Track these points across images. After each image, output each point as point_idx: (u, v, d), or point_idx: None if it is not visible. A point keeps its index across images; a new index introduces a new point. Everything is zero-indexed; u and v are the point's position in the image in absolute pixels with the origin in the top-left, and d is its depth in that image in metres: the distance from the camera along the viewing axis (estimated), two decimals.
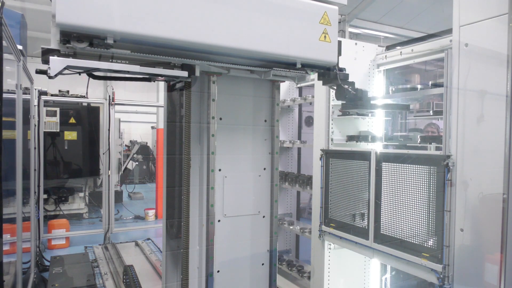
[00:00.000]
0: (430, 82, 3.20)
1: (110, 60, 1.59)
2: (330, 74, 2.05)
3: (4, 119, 2.43)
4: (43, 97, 6.15)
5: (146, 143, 13.08)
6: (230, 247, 2.18)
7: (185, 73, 1.76)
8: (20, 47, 3.53)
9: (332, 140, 3.52)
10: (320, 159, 3.53)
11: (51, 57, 1.45)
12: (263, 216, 2.26)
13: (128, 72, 1.66)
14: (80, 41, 1.43)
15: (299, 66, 1.89)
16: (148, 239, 6.47)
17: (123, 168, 11.08)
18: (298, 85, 4.17)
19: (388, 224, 2.86)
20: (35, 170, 5.62)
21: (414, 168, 2.65)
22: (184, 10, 1.58)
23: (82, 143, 8.35)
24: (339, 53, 1.97)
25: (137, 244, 6.08)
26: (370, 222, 2.99)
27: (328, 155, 3.48)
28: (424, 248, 2.58)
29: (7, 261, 3.70)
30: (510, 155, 2.10)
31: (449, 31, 2.66)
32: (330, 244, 3.56)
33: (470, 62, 2.35)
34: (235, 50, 1.75)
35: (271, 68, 1.94)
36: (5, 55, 2.71)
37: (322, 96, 3.58)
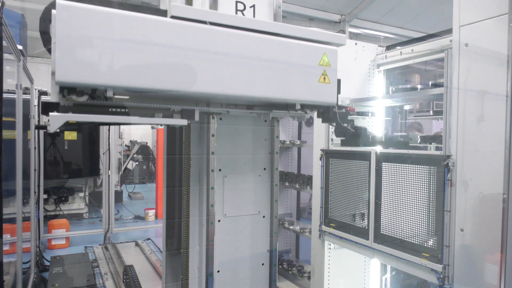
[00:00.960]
0: (430, 82, 3.20)
1: (110, 109, 1.55)
2: (330, 113, 2.02)
3: (4, 119, 2.43)
4: (43, 97, 6.14)
5: (146, 143, 13.08)
6: (230, 247, 2.19)
7: (184, 122, 1.71)
8: (20, 47, 3.52)
9: (332, 140, 3.52)
10: (320, 159, 3.53)
11: (50, 114, 1.44)
12: (263, 216, 2.26)
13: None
14: (80, 95, 1.44)
15: (298, 107, 1.88)
16: (148, 239, 6.47)
17: (123, 168, 11.08)
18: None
19: (388, 224, 2.86)
20: (35, 170, 5.62)
21: (414, 168, 2.65)
22: (184, 61, 1.57)
23: (82, 143, 8.34)
24: (339, 92, 1.96)
25: (137, 244, 6.08)
26: (370, 222, 2.99)
27: (328, 155, 3.48)
28: (424, 248, 2.58)
29: (7, 261, 3.70)
30: (510, 155, 2.10)
31: (449, 31, 2.66)
32: (330, 244, 3.56)
33: (470, 62, 2.35)
34: (234, 97, 1.75)
35: (270, 110, 1.91)
36: (5, 55, 2.71)
37: None
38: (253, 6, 2.10)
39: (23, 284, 3.67)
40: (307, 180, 4.06)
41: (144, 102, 1.63)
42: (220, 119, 2.11)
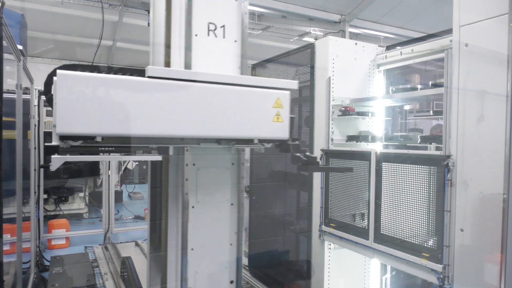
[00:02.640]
0: (430, 82, 3.20)
1: (99, 149, 1.95)
2: (284, 145, 2.33)
3: (4, 119, 2.43)
4: (43, 97, 6.14)
5: None
6: (202, 228, 2.53)
7: (159, 157, 2.09)
8: (20, 47, 3.52)
9: (332, 140, 3.52)
10: (320, 159, 3.53)
11: (52, 156, 1.78)
12: (232, 204, 2.61)
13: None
14: (75, 140, 1.81)
15: (256, 142, 2.22)
16: None
17: (123, 168, 11.07)
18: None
19: (388, 224, 2.86)
20: (35, 170, 5.62)
21: (414, 168, 2.65)
22: (160, 111, 1.91)
23: None
24: (292, 128, 2.30)
25: (137, 244, 6.08)
26: (370, 222, 2.99)
27: (328, 155, 3.48)
28: (424, 248, 2.59)
29: (7, 261, 3.70)
30: (510, 155, 2.10)
31: (449, 31, 2.66)
32: (330, 244, 3.56)
33: (470, 62, 2.35)
34: (201, 137, 2.12)
35: (233, 144, 2.24)
36: (5, 55, 2.71)
37: (322, 96, 3.58)
38: (223, 26, 2.43)
39: (23, 284, 3.67)
40: (307, 180, 4.05)
41: (127, 143, 1.96)
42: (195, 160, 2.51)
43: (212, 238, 2.58)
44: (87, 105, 1.77)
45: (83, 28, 10.63)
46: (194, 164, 2.46)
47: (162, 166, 2.53)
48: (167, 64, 2.34)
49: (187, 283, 2.46)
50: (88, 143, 1.84)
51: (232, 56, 2.49)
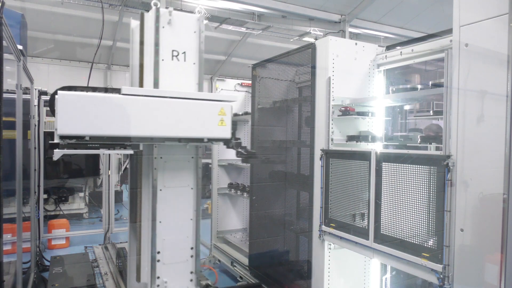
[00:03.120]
0: (430, 82, 3.20)
1: (87, 145, 2.68)
2: (229, 143, 3.11)
3: (4, 119, 2.43)
4: (43, 97, 6.14)
5: None
6: (168, 206, 3.23)
7: (131, 151, 2.88)
8: (20, 47, 3.53)
9: (332, 140, 3.52)
10: (320, 159, 3.53)
11: (55, 150, 2.57)
12: (191, 188, 3.34)
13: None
14: (71, 139, 2.56)
15: (206, 140, 3.01)
16: None
17: (123, 168, 11.06)
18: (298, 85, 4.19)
19: (388, 224, 2.86)
20: (35, 170, 5.62)
21: (414, 168, 2.65)
22: (129, 119, 2.68)
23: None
24: (234, 130, 3.08)
25: None
26: (370, 222, 2.99)
27: (328, 155, 3.48)
28: (424, 248, 2.59)
29: (7, 261, 3.70)
30: (510, 155, 2.10)
31: (449, 31, 2.66)
32: (330, 244, 3.56)
33: (470, 62, 2.35)
34: (165, 137, 2.89)
35: (190, 141, 3.01)
36: (5, 55, 2.71)
37: (322, 96, 3.58)
38: (184, 52, 3.15)
39: (23, 284, 3.67)
40: (307, 180, 4.05)
41: (108, 141, 2.72)
42: (161, 157, 3.25)
43: (176, 213, 3.29)
44: (78, 114, 2.55)
45: (83, 28, 10.63)
46: (161, 157, 3.21)
47: (138, 160, 3.23)
48: (141, 81, 3.04)
49: (156, 248, 3.19)
50: (79, 141, 2.59)
51: (191, 75, 3.18)
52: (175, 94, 2.88)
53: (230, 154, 6.19)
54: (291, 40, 11.79)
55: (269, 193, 4.69)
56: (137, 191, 3.27)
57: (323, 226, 3.53)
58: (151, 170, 3.17)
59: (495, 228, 2.16)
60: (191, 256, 3.35)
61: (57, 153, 2.53)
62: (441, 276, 2.43)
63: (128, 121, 2.69)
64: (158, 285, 3.19)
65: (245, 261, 5.04)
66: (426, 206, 2.60)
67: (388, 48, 3.67)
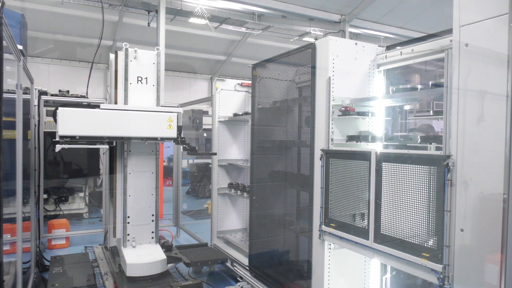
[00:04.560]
0: (430, 82, 3.20)
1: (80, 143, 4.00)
2: (176, 141, 4.35)
3: (4, 119, 2.43)
4: (43, 97, 6.14)
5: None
6: (135, 185, 4.53)
7: (106, 146, 4.53)
8: (20, 47, 3.52)
9: (332, 140, 3.52)
10: (320, 159, 3.53)
11: (56, 145, 3.82)
12: (152, 172, 4.63)
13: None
14: (66, 138, 3.85)
15: (159, 139, 4.34)
16: None
17: None
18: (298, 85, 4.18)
19: (388, 224, 2.86)
20: (35, 170, 5.62)
21: (414, 168, 2.65)
22: (106, 124, 4.01)
23: None
24: (179, 131, 4.33)
25: None
26: (370, 222, 2.99)
27: (328, 155, 3.49)
28: (424, 248, 2.59)
29: (7, 261, 3.70)
30: (510, 155, 2.10)
31: (449, 31, 2.66)
32: (330, 244, 3.56)
33: (470, 62, 2.35)
34: (132, 137, 4.21)
35: (147, 140, 4.31)
36: (5, 55, 2.71)
37: (322, 96, 3.58)
38: (146, 78, 4.46)
39: (23, 284, 3.67)
40: (307, 180, 4.05)
41: (91, 139, 4.04)
42: (130, 150, 4.56)
43: (141, 190, 4.57)
44: (71, 122, 3.87)
45: (83, 28, 10.63)
46: (130, 151, 4.51)
47: (113, 153, 4.78)
48: (116, 97, 4.42)
49: (126, 213, 4.49)
50: (72, 139, 3.88)
51: (151, 94, 4.50)
52: (137, 108, 4.25)
53: (231, 154, 6.19)
54: (291, 40, 11.80)
55: (269, 193, 4.69)
56: (113, 176, 4.75)
57: (323, 226, 3.53)
58: (122, 160, 4.50)
59: (495, 228, 2.16)
60: (152, 221, 4.66)
61: (58, 147, 3.83)
62: (441, 276, 2.43)
63: (105, 126, 4.00)
64: (128, 240, 4.51)
65: (245, 261, 5.04)
66: (426, 206, 2.60)
67: (388, 48, 3.67)
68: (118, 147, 4.58)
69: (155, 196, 4.64)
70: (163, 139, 4.29)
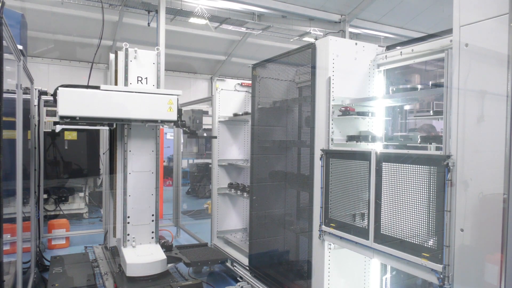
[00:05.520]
0: (430, 82, 3.20)
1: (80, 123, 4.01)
2: (177, 124, 4.33)
3: (4, 119, 2.43)
4: (43, 97, 6.15)
5: None
6: (135, 185, 4.52)
7: (107, 128, 4.47)
8: (20, 47, 3.52)
9: (332, 140, 3.52)
10: (320, 159, 3.53)
11: (57, 126, 3.84)
12: (152, 172, 4.61)
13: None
14: (66, 118, 3.82)
15: (159, 122, 4.26)
16: None
17: None
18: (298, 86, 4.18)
19: (388, 224, 2.86)
20: (35, 170, 5.62)
21: (414, 168, 2.65)
22: (106, 106, 3.98)
23: (82, 143, 8.35)
24: (180, 114, 4.32)
25: None
26: (370, 222, 2.99)
27: (328, 155, 3.49)
28: (424, 248, 2.59)
29: (7, 261, 3.70)
30: (510, 155, 2.10)
31: (449, 31, 2.66)
32: (330, 244, 3.56)
33: (470, 62, 2.35)
34: (132, 119, 4.16)
35: (148, 122, 4.28)
36: (5, 55, 2.71)
37: (322, 96, 3.58)
38: (146, 78, 4.47)
39: (23, 284, 3.67)
40: (307, 180, 4.05)
41: (91, 120, 4.03)
42: (130, 128, 4.51)
43: (141, 190, 4.54)
44: (71, 102, 3.83)
45: (83, 28, 10.63)
46: (131, 130, 4.50)
47: (113, 135, 4.81)
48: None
49: (126, 213, 4.47)
50: (72, 120, 3.86)
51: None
52: (137, 89, 4.22)
53: (231, 154, 6.19)
54: (291, 40, 11.79)
55: (269, 193, 4.69)
56: (114, 175, 4.79)
57: (323, 226, 3.53)
58: (122, 144, 4.50)
59: (495, 228, 2.16)
60: (152, 221, 4.63)
61: (58, 127, 3.85)
62: (441, 276, 2.43)
63: (105, 107, 3.95)
64: (128, 240, 4.50)
65: (245, 261, 5.04)
66: (426, 206, 2.60)
67: (388, 48, 3.67)
68: (118, 130, 4.54)
69: (155, 196, 4.63)
70: (163, 121, 4.22)
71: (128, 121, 4.17)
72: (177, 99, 4.26)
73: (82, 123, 3.93)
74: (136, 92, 4.11)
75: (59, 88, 3.75)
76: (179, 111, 4.29)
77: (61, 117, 3.76)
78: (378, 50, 3.71)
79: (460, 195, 2.37)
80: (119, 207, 4.52)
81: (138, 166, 4.51)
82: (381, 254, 2.92)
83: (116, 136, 4.70)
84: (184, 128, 4.46)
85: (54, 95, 3.82)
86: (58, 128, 3.81)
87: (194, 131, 4.66)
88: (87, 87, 3.99)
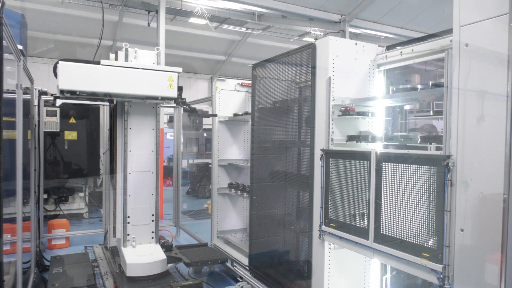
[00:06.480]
0: (430, 82, 3.20)
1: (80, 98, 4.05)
2: (177, 101, 4.38)
3: (4, 119, 2.43)
4: (43, 97, 6.14)
5: None
6: (135, 185, 4.54)
7: (107, 103, 5.05)
8: (20, 47, 3.52)
9: (332, 140, 3.52)
10: (320, 159, 3.53)
11: (57, 100, 3.89)
12: (152, 172, 4.63)
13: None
14: (67, 93, 3.81)
15: (160, 99, 4.25)
16: None
17: None
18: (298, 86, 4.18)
19: (388, 224, 2.86)
20: (35, 170, 5.62)
21: (414, 168, 2.65)
22: (107, 81, 3.95)
23: (82, 143, 8.35)
24: (180, 91, 4.33)
25: None
26: (370, 222, 2.99)
27: (328, 155, 3.49)
28: (424, 248, 2.59)
29: (7, 261, 3.70)
30: (510, 155, 2.10)
31: (449, 31, 2.66)
32: (330, 244, 3.56)
33: (470, 62, 2.35)
34: (132, 95, 4.17)
35: (148, 99, 4.26)
36: (5, 55, 2.71)
37: (322, 96, 3.58)
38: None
39: (23, 284, 3.67)
40: (307, 180, 4.05)
41: (92, 95, 4.01)
42: (130, 105, 4.51)
43: (141, 190, 4.56)
44: (72, 76, 3.80)
45: (83, 28, 10.64)
46: (131, 105, 4.49)
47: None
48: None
49: (126, 213, 4.49)
50: (72, 94, 3.84)
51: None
52: (137, 65, 4.18)
53: (231, 154, 6.19)
54: (291, 40, 11.80)
55: (269, 193, 4.69)
56: (114, 176, 4.80)
57: (323, 226, 3.53)
58: (123, 121, 4.50)
59: (495, 228, 2.16)
60: (152, 221, 4.64)
61: (58, 101, 3.87)
62: (441, 276, 2.43)
63: (105, 82, 3.93)
64: (128, 240, 4.50)
65: (245, 261, 5.04)
66: (426, 206, 2.60)
67: (388, 48, 3.67)
68: (118, 107, 4.54)
69: (155, 196, 4.64)
70: (163, 98, 4.21)
71: (128, 97, 4.16)
72: (178, 76, 4.25)
73: (82, 98, 3.92)
74: (136, 68, 4.09)
75: (60, 62, 3.72)
76: (180, 88, 4.28)
77: (61, 91, 3.72)
78: (378, 50, 3.71)
79: (460, 195, 2.37)
80: (119, 207, 4.54)
81: (138, 166, 4.52)
82: (381, 254, 2.92)
83: (116, 114, 4.70)
84: (184, 106, 4.49)
85: (55, 69, 3.80)
86: (58, 102, 3.82)
87: (194, 108, 4.67)
88: (88, 61, 4.02)
